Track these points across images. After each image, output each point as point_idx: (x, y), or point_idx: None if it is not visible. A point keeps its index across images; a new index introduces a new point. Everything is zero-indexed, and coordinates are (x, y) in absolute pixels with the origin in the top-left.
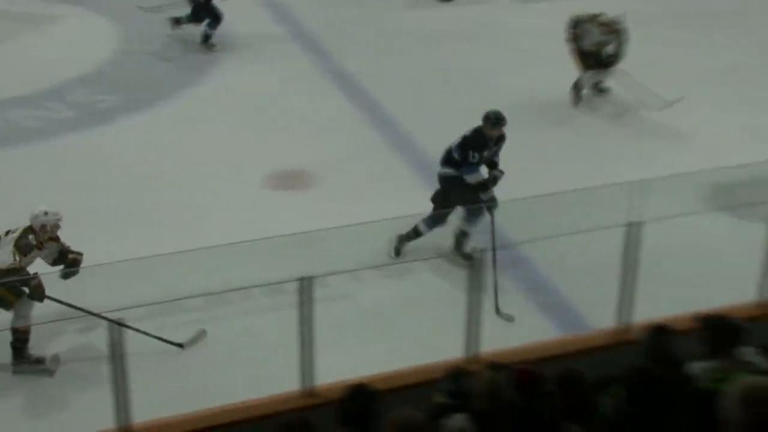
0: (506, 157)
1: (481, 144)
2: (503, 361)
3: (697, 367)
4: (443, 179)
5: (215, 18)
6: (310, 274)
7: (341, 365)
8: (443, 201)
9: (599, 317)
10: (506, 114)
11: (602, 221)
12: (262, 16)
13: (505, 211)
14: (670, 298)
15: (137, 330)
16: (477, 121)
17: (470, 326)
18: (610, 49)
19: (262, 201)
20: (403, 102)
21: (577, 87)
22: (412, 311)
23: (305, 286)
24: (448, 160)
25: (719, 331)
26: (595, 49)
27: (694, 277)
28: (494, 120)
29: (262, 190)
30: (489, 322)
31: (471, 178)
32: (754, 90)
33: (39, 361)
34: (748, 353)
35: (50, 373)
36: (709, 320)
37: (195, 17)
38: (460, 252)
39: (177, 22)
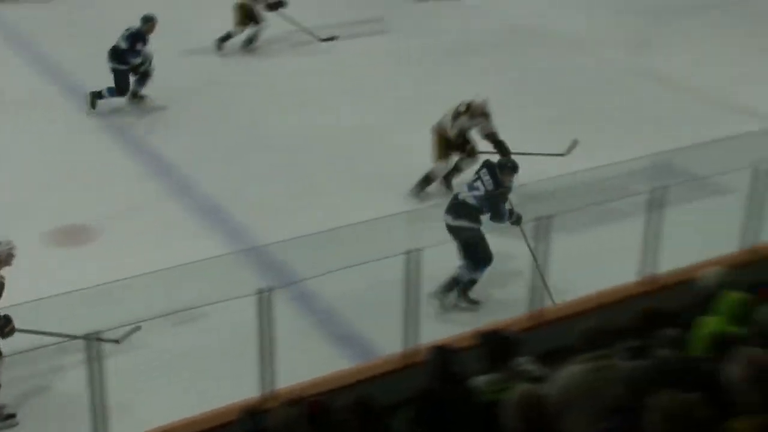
0: (285, 196)
1: (505, 192)
2: (299, 395)
3: (479, 381)
4: (467, 230)
5: (144, 75)
6: (97, 330)
7: (136, 418)
8: (477, 245)
9: (389, 343)
10: (284, 151)
11: (385, 251)
12: (31, 75)
13: (290, 249)
14: (454, 318)
15: (74, 337)
16: (259, 160)
17: (264, 364)
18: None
19: (44, 258)
20: (180, 149)
21: (427, 180)
22: (206, 355)
23: (92, 342)
24: (469, 214)
25: (496, 345)
26: (457, 136)
27: (478, 293)
28: (513, 168)
29: (43, 248)
30: (283, 358)
31: (507, 219)
32: (510, 118)
33: (11, 416)
34: (524, 363)
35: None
36: (487, 335)
37: (120, 90)
38: (467, 299)
39: (98, 96)
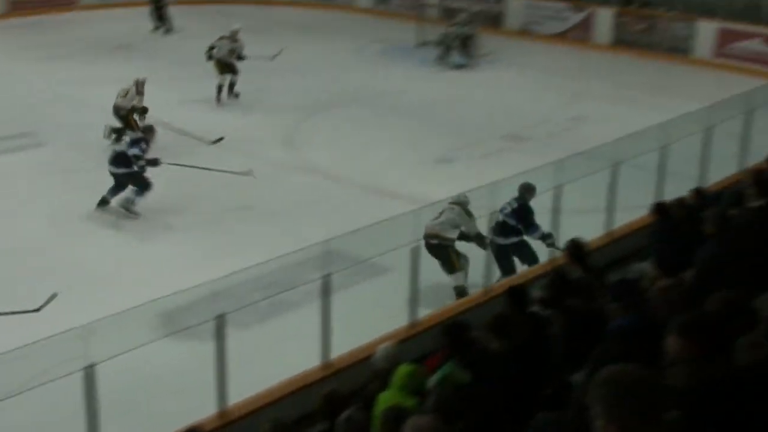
0: None
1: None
2: None
3: None
4: (516, 244)
5: (145, 185)
6: None
7: None
8: (527, 250)
9: None
10: None
11: (57, 371)
12: None
13: None
14: (144, 428)
15: None
16: None
17: None
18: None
19: None
20: None
21: (462, 293)
22: None
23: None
24: (513, 231)
25: None
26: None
27: (163, 401)
28: (534, 189)
29: None
30: None
31: (540, 232)
32: (172, 216)
33: None
34: None
35: None
36: None
37: (118, 188)
38: None
39: (131, 204)
